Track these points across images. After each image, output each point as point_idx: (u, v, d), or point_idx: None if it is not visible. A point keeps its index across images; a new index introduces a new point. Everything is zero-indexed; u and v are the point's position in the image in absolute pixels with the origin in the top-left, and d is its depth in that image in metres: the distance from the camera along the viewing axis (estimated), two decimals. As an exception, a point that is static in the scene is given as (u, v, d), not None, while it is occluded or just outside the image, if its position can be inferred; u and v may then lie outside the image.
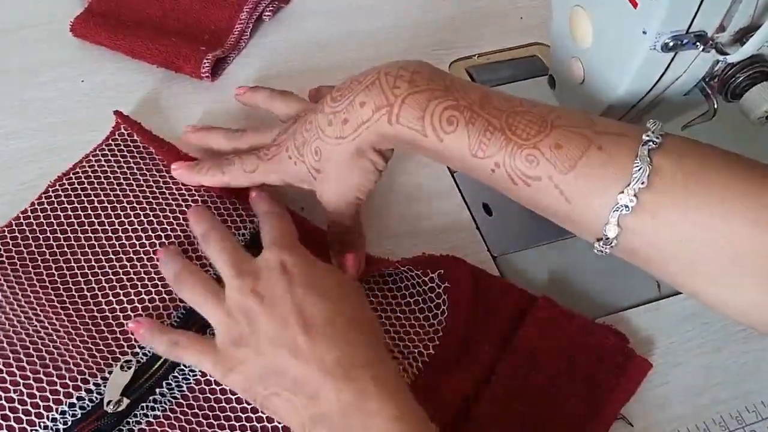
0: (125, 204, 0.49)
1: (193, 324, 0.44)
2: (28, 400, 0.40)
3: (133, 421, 0.41)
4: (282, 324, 0.38)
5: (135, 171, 0.51)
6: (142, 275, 0.46)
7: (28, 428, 0.39)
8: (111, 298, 0.45)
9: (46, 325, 0.43)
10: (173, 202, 0.49)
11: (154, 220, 0.48)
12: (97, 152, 0.52)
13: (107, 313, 0.44)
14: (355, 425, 0.36)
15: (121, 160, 0.52)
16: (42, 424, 0.39)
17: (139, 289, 0.45)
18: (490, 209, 0.53)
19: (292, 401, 0.38)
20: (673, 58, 0.38)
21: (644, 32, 0.36)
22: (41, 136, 0.56)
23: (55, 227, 0.48)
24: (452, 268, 0.46)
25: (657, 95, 0.42)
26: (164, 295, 0.45)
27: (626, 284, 0.49)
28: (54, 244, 0.47)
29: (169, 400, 0.42)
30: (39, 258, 0.47)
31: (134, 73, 0.61)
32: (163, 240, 0.47)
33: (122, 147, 0.53)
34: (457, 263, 0.47)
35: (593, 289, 0.50)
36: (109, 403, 0.40)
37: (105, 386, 0.41)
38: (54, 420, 0.40)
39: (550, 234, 0.51)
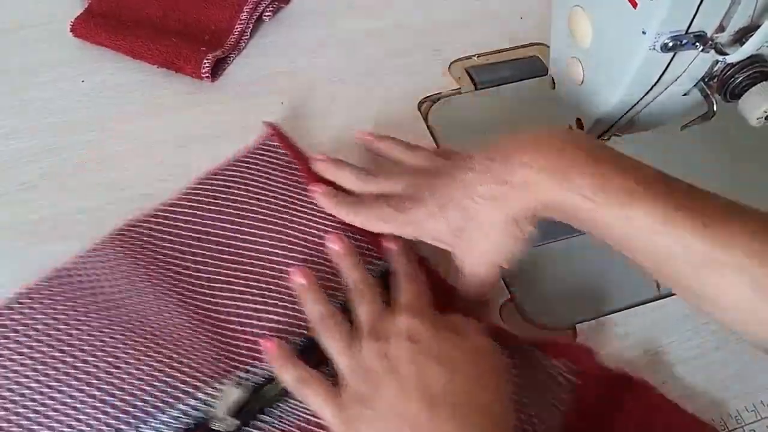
0: (263, 215, 0.48)
1: (312, 355, 0.42)
2: (149, 399, 0.39)
3: None
4: (405, 396, 0.37)
5: (277, 183, 0.50)
6: (273, 292, 0.44)
7: (143, 427, 0.39)
8: (237, 309, 0.43)
9: (167, 321, 0.42)
10: (312, 222, 0.48)
11: (292, 236, 0.47)
12: (243, 159, 0.51)
13: (231, 324, 0.43)
14: None
15: (264, 170, 0.51)
16: (152, 424, 0.39)
17: (269, 306, 0.44)
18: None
19: None
20: (672, 59, 0.38)
21: (644, 32, 0.36)
22: (41, 136, 0.56)
23: (190, 226, 0.47)
24: (582, 359, 0.43)
25: (656, 95, 0.42)
26: (292, 319, 0.43)
27: (626, 284, 0.49)
28: (186, 242, 0.46)
29: (275, 428, 0.40)
30: (169, 254, 0.46)
31: (134, 73, 0.61)
32: (298, 257, 0.46)
33: (267, 158, 0.51)
34: (590, 356, 0.44)
35: (593, 289, 0.50)
36: (215, 420, 0.39)
37: (214, 399, 0.40)
38: (165, 423, 0.39)
39: (548, 234, 0.51)
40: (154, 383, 0.40)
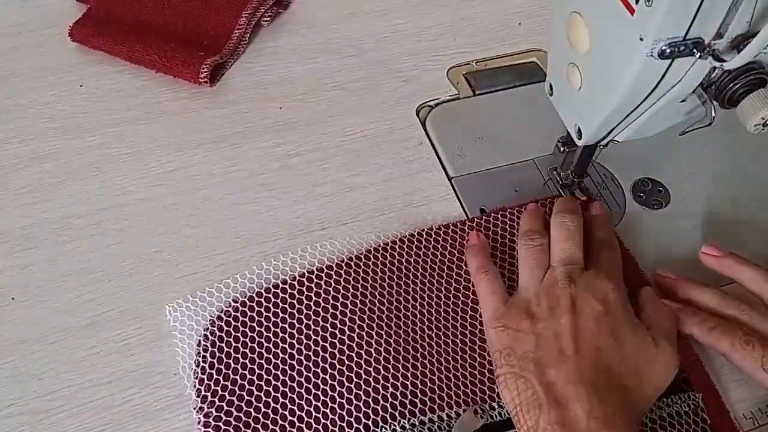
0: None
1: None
2: (395, 403, 0.42)
3: None
4: (572, 333, 0.40)
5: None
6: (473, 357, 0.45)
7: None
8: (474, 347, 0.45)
9: (419, 340, 0.45)
10: None
11: None
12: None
13: (471, 359, 0.44)
14: None
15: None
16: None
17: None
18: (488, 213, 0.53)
19: (536, 393, 0.39)
20: (670, 65, 0.38)
21: (641, 39, 0.36)
22: (40, 141, 0.56)
23: (393, 276, 0.47)
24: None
25: (654, 102, 0.42)
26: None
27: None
28: (386, 290, 0.47)
29: None
30: (376, 298, 0.46)
31: (132, 78, 0.61)
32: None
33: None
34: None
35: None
36: None
37: (450, 419, 0.42)
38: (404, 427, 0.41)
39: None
40: (403, 391, 0.42)
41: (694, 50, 0.36)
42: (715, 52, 0.37)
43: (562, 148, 0.51)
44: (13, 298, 0.47)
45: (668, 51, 0.36)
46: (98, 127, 0.57)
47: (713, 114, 0.40)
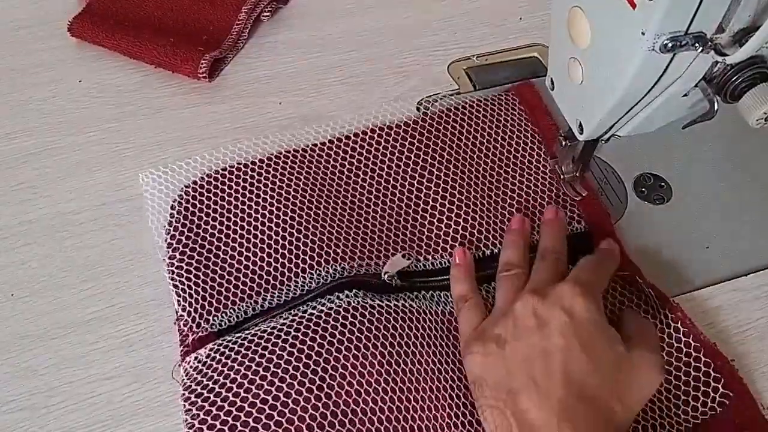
0: (480, 156, 0.54)
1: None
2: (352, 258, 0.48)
3: (395, 303, 0.45)
4: (541, 360, 0.39)
5: (506, 132, 0.56)
6: (469, 209, 0.51)
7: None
8: (434, 212, 0.51)
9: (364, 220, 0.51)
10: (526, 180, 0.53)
11: (502, 182, 0.53)
12: (481, 102, 0.58)
13: (423, 222, 0.51)
14: None
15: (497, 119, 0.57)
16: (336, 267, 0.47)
17: (462, 217, 0.50)
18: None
19: (510, 425, 0.38)
20: (671, 59, 0.38)
21: (643, 33, 0.36)
22: (39, 136, 0.56)
23: (413, 149, 0.54)
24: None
25: (656, 96, 0.42)
26: (480, 234, 0.50)
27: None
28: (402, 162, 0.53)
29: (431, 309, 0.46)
30: (400, 164, 0.53)
31: (132, 73, 0.61)
32: (496, 205, 0.52)
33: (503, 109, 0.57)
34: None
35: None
36: (386, 273, 0.47)
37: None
38: (344, 269, 0.47)
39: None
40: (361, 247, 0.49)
41: (696, 44, 0.36)
42: (717, 47, 0.36)
43: (564, 142, 0.51)
44: (12, 294, 0.48)
45: (670, 45, 0.36)
46: (97, 123, 0.57)
47: (716, 108, 0.40)
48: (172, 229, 0.49)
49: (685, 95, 0.42)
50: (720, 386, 0.43)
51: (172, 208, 0.50)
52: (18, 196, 0.52)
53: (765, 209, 0.54)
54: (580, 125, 0.46)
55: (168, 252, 0.48)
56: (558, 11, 0.43)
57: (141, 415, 0.43)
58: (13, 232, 0.51)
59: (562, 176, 0.53)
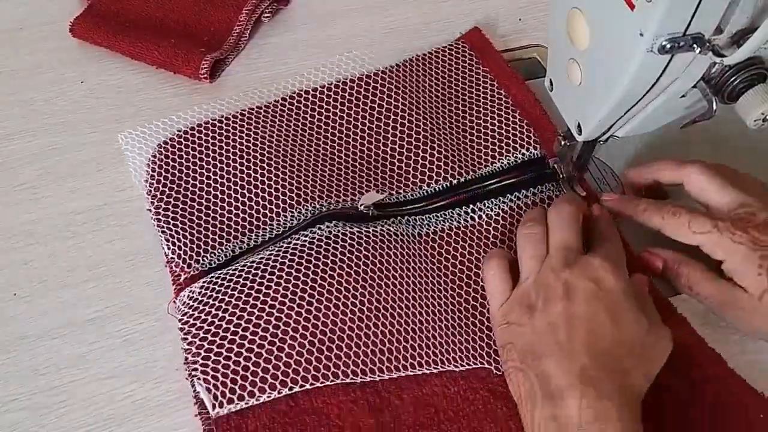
0: (436, 106, 0.57)
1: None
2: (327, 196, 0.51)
3: (374, 230, 0.49)
4: (567, 326, 0.40)
5: (459, 82, 0.60)
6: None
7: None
8: (400, 156, 0.54)
9: (333, 160, 0.54)
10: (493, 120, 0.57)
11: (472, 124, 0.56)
12: (433, 54, 0.61)
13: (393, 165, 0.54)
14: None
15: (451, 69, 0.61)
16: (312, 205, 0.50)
17: (428, 156, 0.54)
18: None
19: (533, 386, 0.39)
20: (670, 60, 0.38)
21: (641, 34, 0.36)
22: (41, 137, 0.56)
23: (376, 99, 0.57)
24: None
25: (654, 97, 0.42)
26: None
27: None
28: (377, 110, 0.57)
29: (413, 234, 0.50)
30: (366, 113, 0.57)
31: (133, 73, 0.61)
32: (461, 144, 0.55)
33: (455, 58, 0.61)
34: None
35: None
36: (362, 205, 0.50)
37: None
38: (323, 206, 0.50)
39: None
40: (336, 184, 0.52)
41: (694, 45, 0.36)
42: (715, 48, 0.37)
43: (563, 142, 0.51)
44: (15, 294, 0.48)
45: (668, 46, 0.36)
46: (99, 123, 0.57)
47: (715, 108, 0.40)
48: (154, 181, 0.51)
49: (684, 96, 0.42)
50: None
51: (152, 161, 0.53)
52: (20, 196, 0.53)
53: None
54: (579, 126, 0.46)
55: (153, 202, 0.50)
56: (557, 12, 0.43)
57: (141, 414, 0.43)
58: (15, 232, 0.51)
59: (561, 176, 0.54)
